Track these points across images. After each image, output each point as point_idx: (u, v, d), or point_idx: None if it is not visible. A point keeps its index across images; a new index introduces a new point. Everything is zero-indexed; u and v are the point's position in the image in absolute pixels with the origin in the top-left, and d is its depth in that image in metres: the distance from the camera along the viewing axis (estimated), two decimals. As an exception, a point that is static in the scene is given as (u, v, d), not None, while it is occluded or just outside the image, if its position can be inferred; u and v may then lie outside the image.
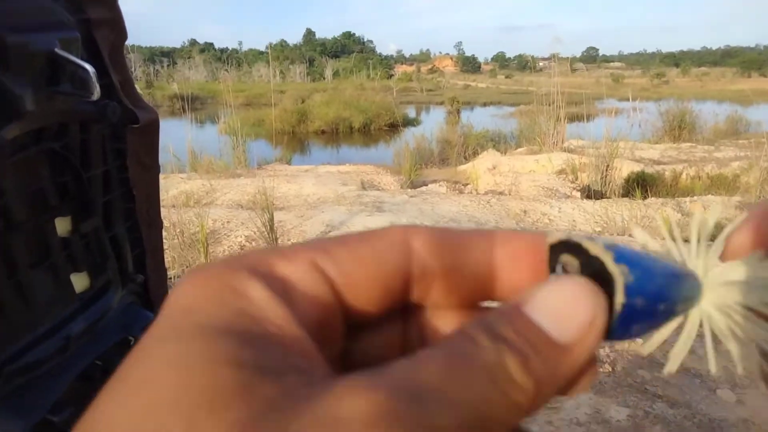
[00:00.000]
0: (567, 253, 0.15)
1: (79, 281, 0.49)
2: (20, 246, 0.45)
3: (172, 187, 4.53)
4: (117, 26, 0.48)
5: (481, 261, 0.16)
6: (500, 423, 0.13)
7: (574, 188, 4.99)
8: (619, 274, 0.14)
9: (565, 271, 0.15)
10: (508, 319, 0.14)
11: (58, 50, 0.43)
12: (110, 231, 0.51)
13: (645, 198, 4.34)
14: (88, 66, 0.43)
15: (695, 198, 4.36)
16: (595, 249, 0.15)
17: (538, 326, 0.14)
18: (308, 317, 0.14)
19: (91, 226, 0.49)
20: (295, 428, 0.11)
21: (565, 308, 0.14)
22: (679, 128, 8.00)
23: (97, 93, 0.43)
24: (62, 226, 0.48)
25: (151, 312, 0.54)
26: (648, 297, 0.15)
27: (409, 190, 4.96)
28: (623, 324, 0.15)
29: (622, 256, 0.15)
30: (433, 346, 0.13)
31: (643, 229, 0.17)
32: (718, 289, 0.16)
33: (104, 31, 0.47)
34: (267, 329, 0.13)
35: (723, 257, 0.16)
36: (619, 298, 0.14)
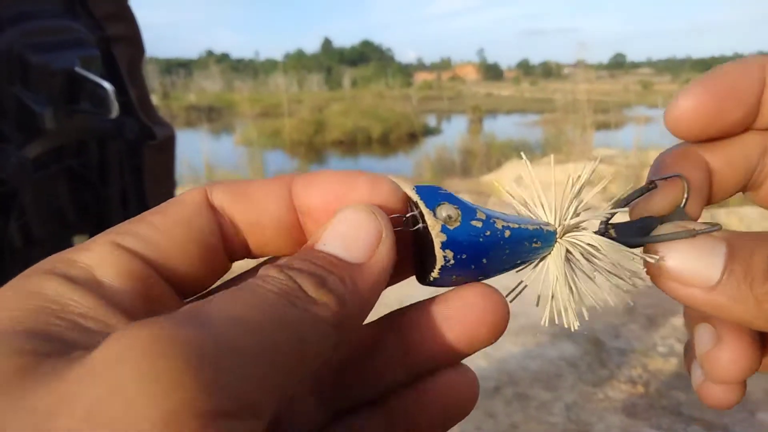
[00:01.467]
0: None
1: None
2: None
3: None
4: (135, 42, 0.48)
5: (275, 209, 0.17)
6: (313, 342, 0.14)
7: (602, 199, 4.91)
8: (434, 219, 0.17)
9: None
10: (300, 256, 0.16)
11: (78, 69, 0.43)
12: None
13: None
14: (107, 84, 0.43)
15: (730, 210, 4.23)
16: (414, 196, 0.17)
17: (328, 253, 0.16)
18: (122, 291, 0.15)
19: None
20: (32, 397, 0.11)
21: (351, 232, 0.16)
22: (711, 136, 7.80)
23: (115, 111, 0.43)
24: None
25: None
26: (469, 242, 0.17)
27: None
28: (444, 269, 0.17)
29: (454, 201, 0.17)
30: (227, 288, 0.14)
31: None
32: (569, 237, 0.19)
33: (123, 48, 0.47)
34: (66, 317, 0.14)
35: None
36: (436, 242, 0.17)
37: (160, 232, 0.16)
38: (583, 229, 0.19)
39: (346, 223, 0.16)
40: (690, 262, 0.18)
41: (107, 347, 0.12)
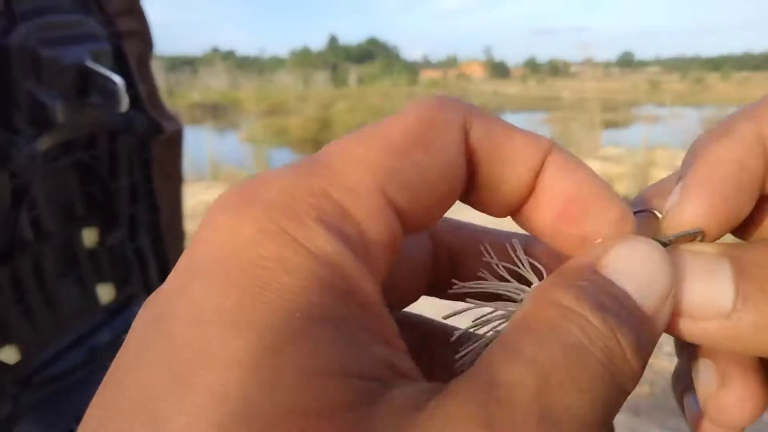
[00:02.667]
0: None
1: (105, 292, 0.50)
2: (50, 256, 0.45)
3: (192, 196, 4.57)
4: (145, 38, 0.49)
5: (519, 181, 0.14)
6: (611, 414, 0.11)
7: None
8: None
9: None
10: (592, 283, 0.12)
11: (88, 63, 0.43)
12: (135, 242, 0.52)
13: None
14: (117, 78, 0.43)
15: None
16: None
17: (624, 291, 0.12)
18: (381, 274, 0.12)
19: (117, 238, 0.49)
20: None
21: (646, 274, 0.13)
22: (720, 135, 7.74)
23: (125, 105, 0.44)
24: (89, 237, 0.48)
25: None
26: None
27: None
28: None
29: None
30: (527, 330, 0.11)
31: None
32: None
33: (133, 43, 0.48)
34: (350, 309, 0.10)
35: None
36: None
37: (423, 178, 0.12)
38: None
39: (641, 260, 0.13)
40: (696, 288, 0.14)
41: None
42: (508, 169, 0.14)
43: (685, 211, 0.15)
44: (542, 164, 0.14)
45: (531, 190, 0.14)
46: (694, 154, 0.16)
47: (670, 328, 0.14)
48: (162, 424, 0.09)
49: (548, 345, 0.11)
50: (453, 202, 0.14)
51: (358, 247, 0.11)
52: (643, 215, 0.16)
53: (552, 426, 0.10)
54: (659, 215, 0.16)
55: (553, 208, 0.14)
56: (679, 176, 0.16)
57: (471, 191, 0.14)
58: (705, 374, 0.16)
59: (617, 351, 0.11)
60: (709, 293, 0.14)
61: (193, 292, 0.10)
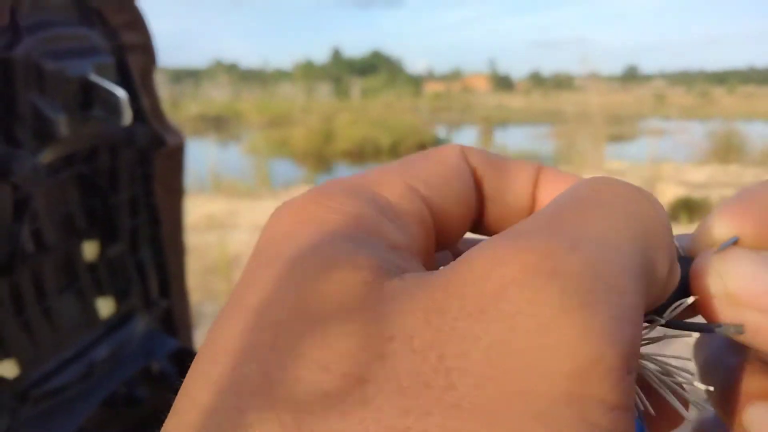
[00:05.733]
0: None
1: (105, 306, 0.49)
2: (50, 269, 0.45)
3: (194, 208, 4.60)
4: (148, 51, 0.49)
5: (522, 190, 0.16)
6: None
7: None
8: None
9: None
10: None
11: (91, 76, 0.43)
12: (135, 256, 0.52)
13: (692, 223, 4.19)
14: (120, 91, 0.43)
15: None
16: None
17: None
18: (417, 238, 0.13)
19: (118, 251, 0.49)
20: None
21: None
22: (727, 149, 7.73)
23: (128, 118, 0.44)
24: (89, 250, 0.48)
25: (174, 338, 0.54)
26: None
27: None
28: None
29: None
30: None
31: None
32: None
33: (136, 56, 0.48)
34: (384, 240, 0.12)
35: None
36: None
37: (442, 181, 0.15)
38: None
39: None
40: (762, 277, 0.13)
41: (478, 267, 0.11)
42: (511, 182, 0.16)
43: (718, 222, 0.15)
44: (537, 177, 0.16)
45: (533, 203, 0.16)
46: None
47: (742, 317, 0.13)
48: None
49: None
50: (470, 221, 0.16)
51: (388, 212, 0.13)
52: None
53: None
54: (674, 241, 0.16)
55: None
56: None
57: (481, 215, 0.16)
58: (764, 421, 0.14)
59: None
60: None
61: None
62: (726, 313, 0.13)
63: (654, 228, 0.12)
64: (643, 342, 0.14)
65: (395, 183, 0.14)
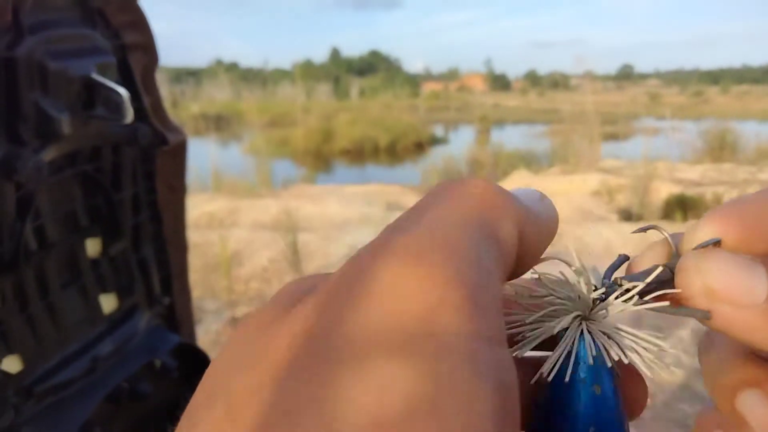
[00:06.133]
0: None
1: (108, 302, 0.50)
2: (53, 266, 0.45)
3: (195, 207, 4.60)
4: (150, 50, 0.49)
5: None
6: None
7: (609, 210, 4.88)
8: None
9: None
10: None
11: (94, 75, 0.44)
12: (138, 253, 0.52)
13: (686, 221, 4.20)
14: (122, 90, 0.43)
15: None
16: None
17: None
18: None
19: (120, 248, 0.49)
20: None
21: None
22: (720, 148, 7.76)
23: (130, 117, 0.44)
24: (92, 247, 0.48)
25: (176, 334, 0.54)
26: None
27: (439, 210, 4.90)
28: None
29: None
30: None
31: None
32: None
33: (138, 56, 0.48)
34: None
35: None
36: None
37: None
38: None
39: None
40: (734, 275, 0.15)
41: (349, 265, 0.13)
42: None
43: (703, 226, 0.16)
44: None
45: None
46: None
47: (720, 320, 0.15)
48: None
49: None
50: None
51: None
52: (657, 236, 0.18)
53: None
54: (667, 236, 0.17)
55: None
56: None
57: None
58: (754, 407, 0.16)
59: None
60: (747, 277, 0.15)
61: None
62: (703, 304, 0.15)
63: (492, 202, 0.14)
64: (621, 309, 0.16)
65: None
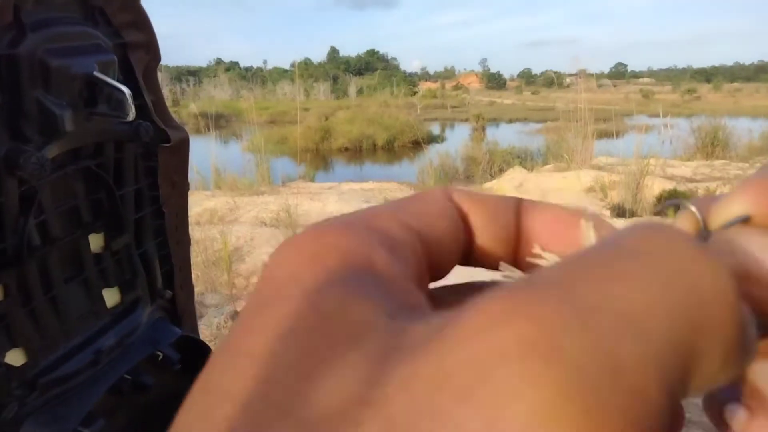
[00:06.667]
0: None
1: (111, 296, 0.51)
2: (56, 261, 0.46)
3: (196, 204, 4.61)
4: (151, 49, 0.50)
5: (505, 221, 0.17)
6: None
7: (603, 206, 4.91)
8: None
9: None
10: None
11: (96, 73, 0.44)
12: (140, 248, 0.53)
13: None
14: (124, 88, 0.44)
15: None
16: None
17: None
18: (414, 275, 0.14)
19: (123, 243, 0.50)
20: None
21: None
22: (712, 145, 7.81)
23: (132, 114, 0.45)
24: (95, 242, 0.49)
25: (179, 328, 0.55)
26: None
27: (434, 207, 4.93)
28: None
29: None
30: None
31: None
32: None
33: (139, 54, 0.49)
34: (380, 279, 0.12)
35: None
36: None
37: (427, 215, 0.15)
38: None
39: None
40: (758, 255, 0.13)
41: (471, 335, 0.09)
42: (494, 215, 0.17)
43: (732, 200, 0.14)
44: (518, 208, 0.17)
45: (518, 232, 0.17)
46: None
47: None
48: None
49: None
50: (459, 254, 0.17)
51: (385, 242, 0.13)
52: (681, 210, 0.16)
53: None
54: (693, 209, 0.16)
55: (543, 237, 0.16)
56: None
57: (469, 248, 0.17)
58: None
59: None
60: None
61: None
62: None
63: (707, 302, 0.10)
64: None
65: (389, 218, 0.14)
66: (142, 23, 0.48)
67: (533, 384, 0.08)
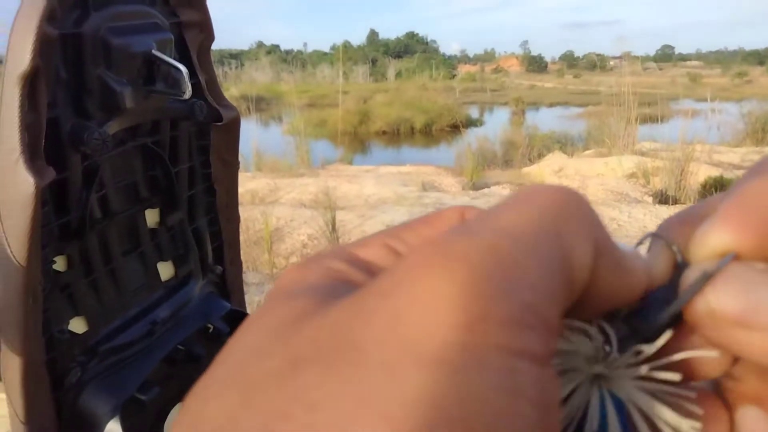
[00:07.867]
0: None
1: (165, 270, 0.52)
2: (115, 234, 0.48)
3: (238, 184, 4.67)
4: (206, 28, 0.50)
5: None
6: None
7: (645, 193, 4.77)
8: None
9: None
10: None
11: (154, 51, 0.45)
12: (193, 224, 0.54)
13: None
14: (181, 66, 0.45)
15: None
16: None
17: None
18: None
19: (177, 219, 0.51)
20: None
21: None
22: (763, 131, 7.45)
23: (188, 92, 0.45)
24: (151, 217, 0.51)
25: (228, 302, 0.57)
26: None
27: (471, 192, 4.90)
28: None
29: None
30: None
31: None
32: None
33: (194, 33, 0.50)
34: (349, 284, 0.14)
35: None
36: None
37: (423, 240, 0.16)
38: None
39: None
40: (750, 297, 0.13)
41: (396, 266, 0.12)
42: None
43: (713, 233, 0.14)
44: None
45: None
46: (734, 187, 0.15)
47: (730, 341, 0.13)
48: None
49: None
50: None
51: (361, 266, 0.15)
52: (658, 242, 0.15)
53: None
54: (667, 243, 0.15)
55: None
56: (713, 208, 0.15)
57: None
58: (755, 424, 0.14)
59: None
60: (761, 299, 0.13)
61: None
62: (707, 326, 0.13)
63: (569, 216, 0.13)
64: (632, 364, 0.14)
65: (373, 244, 0.16)
66: (198, 2, 0.49)
67: (435, 270, 0.11)
